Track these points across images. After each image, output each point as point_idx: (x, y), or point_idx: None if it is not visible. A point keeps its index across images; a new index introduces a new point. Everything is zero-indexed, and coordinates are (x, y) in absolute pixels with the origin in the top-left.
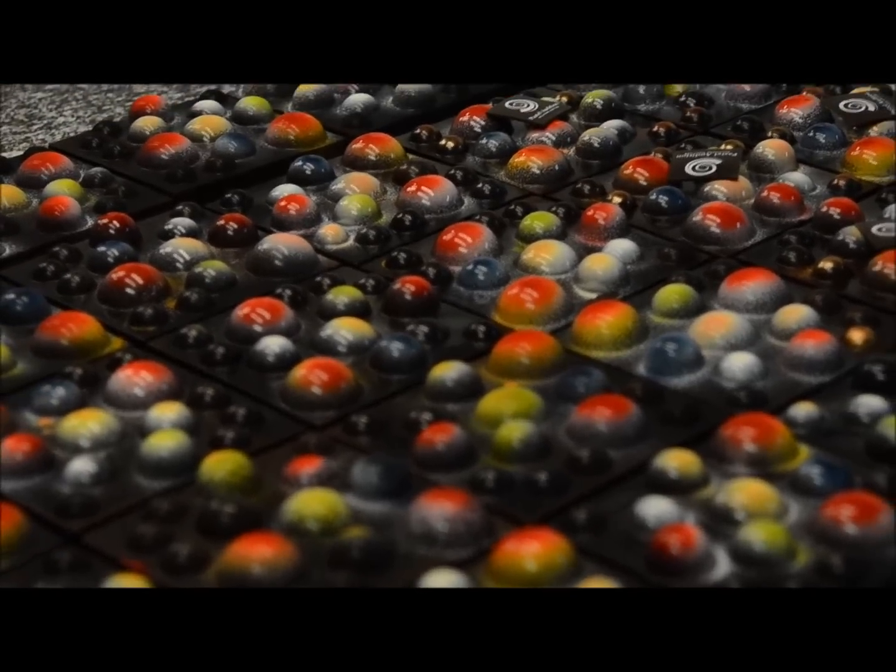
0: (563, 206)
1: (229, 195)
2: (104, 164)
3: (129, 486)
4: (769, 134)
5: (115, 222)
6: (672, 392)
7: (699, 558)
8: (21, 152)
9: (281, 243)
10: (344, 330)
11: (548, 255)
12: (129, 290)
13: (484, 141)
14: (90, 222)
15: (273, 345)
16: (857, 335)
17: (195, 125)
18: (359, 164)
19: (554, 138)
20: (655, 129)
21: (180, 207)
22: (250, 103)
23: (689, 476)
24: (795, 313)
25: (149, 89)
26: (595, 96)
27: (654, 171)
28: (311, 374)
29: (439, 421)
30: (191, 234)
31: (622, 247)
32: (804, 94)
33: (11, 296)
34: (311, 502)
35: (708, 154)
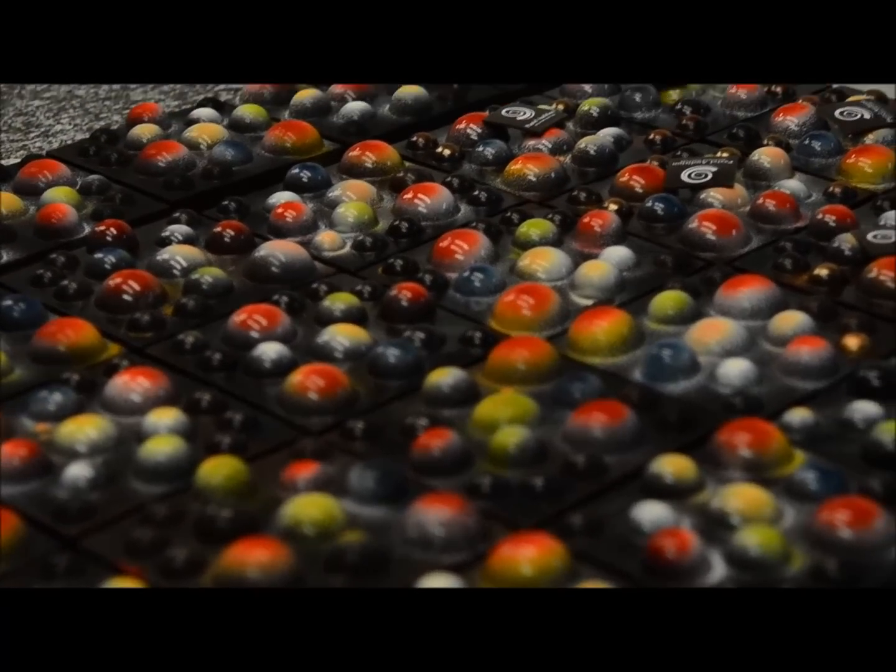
0: (560, 214)
1: (226, 202)
2: (101, 172)
3: (126, 491)
4: (765, 142)
5: (112, 229)
6: (668, 398)
7: (694, 562)
8: (18, 160)
9: (278, 250)
10: (340, 336)
11: (544, 261)
12: (126, 297)
13: (480, 148)
14: (87, 229)
15: (270, 351)
16: (852, 342)
17: (192, 133)
18: (355, 171)
19: (550, 146)
20: (651, 136)
21: (177, 214)
22: (247, 111)
23: (684, 481)
24: (791, 320)
25: (146, 97)
26: (591, 104)
27: (650, 179)
28: (307, 380)
29: (436, 426)
30: (188, 241)
31: (618, 254)
32: (800, 102)
33: (9, 302)
34: (307, 507)
35: (704, 161)
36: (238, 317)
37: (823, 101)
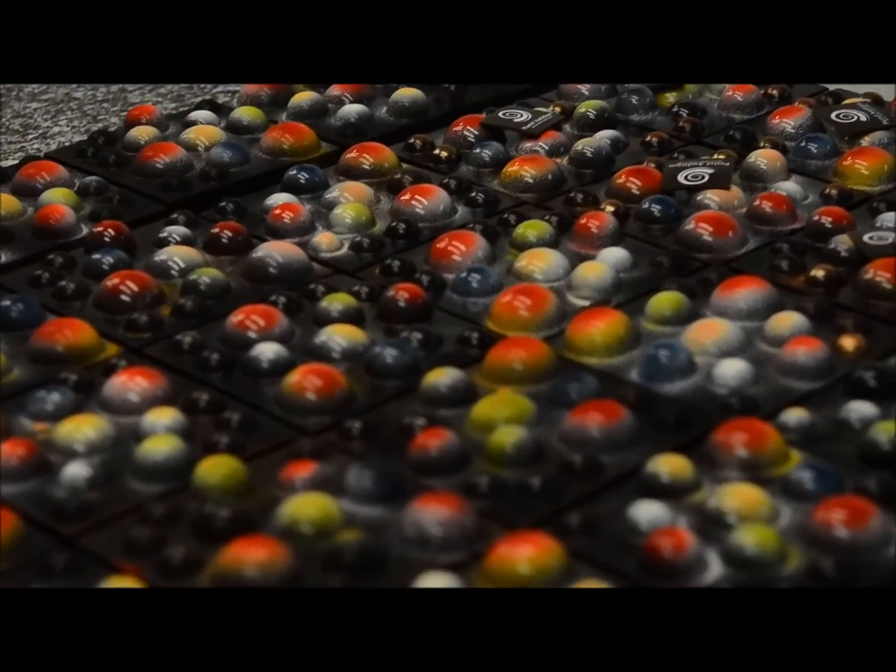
0: (556, 215)
1: (224, 204)
2: (99, 173)
3: (124, 490)
4: (761, 144)
5: (109, 230)
6: (665, 398)
7: (691, 561)
8: (16, 161)
9: (275, 251)
10: (338, 336)
11: (541, 263)
12: (123, 297)
13: (477, 150)
14: (85, 230)
15: (267, 351)
16: (848, 342)
17: (190, 135)
18: (353, 173)
19: (547, 148)
20: (648, 139)
21: (175, 216)
22: (245, 113)
23: (681, 480)
24: (787, 320)
25: (143, 99)
26: (588, 107)
27: (646, 181)
28: (305, 380)
29: (433, 426)
30: (185, 242)
31: (615, 255)
32: (796, 104)
33: (7, 303)
34: (305, 506)
35: (700, 163)
36: (236, 317)
37: (820, 104)
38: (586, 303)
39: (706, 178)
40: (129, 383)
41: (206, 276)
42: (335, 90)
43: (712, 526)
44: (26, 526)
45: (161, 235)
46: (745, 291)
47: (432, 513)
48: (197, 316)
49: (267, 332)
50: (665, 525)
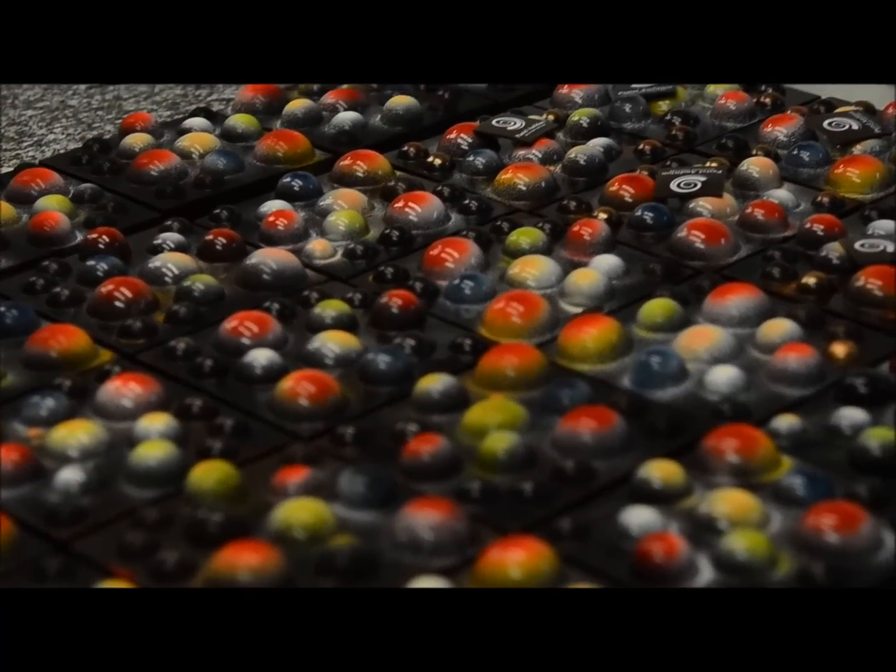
0: (550, 223)
1: (218, 211)
2: (94, 181)
3: (118, 495)
4: (754, 152)
5: (104, 237)
6: (656, 404)
7: (682, 566)
8: (11, 168)
9: (269, 258)
10: (331, 343)
11: (534, 270)
12: (118, 304)
13: (471, 158)
14: (80, 237)
15: (261, 357)
16: (840, 349)
17: (184, 142)
18: (346, 180)
19: (540, 156)
20: (641, 147)
21: (169, 223)
22: (239, 121)
23: (672, 486)
24: (779, 327)
25: (138, 107)
26: (581, 115)
27: (639, 188)
28: (298, 386)
29: (425, 432)
30: (180, 248)
31: (607, 262)
32: (788, 113)
33: (1, 309)
34: (298, 510)
35: (693, 171)
36: (229, 323)
37: (812, 112)
38: (579, 310)
39: (699, 185)
40: (123, 389)
41: (200, 282)
42: (329, 98)
43: (703, 531)
44: (20, 530)
45: (155, 242)
46: (737, 298)
47: (424, 517)
48: (191, 322)
49: (260, 339)
50: (656, 530)
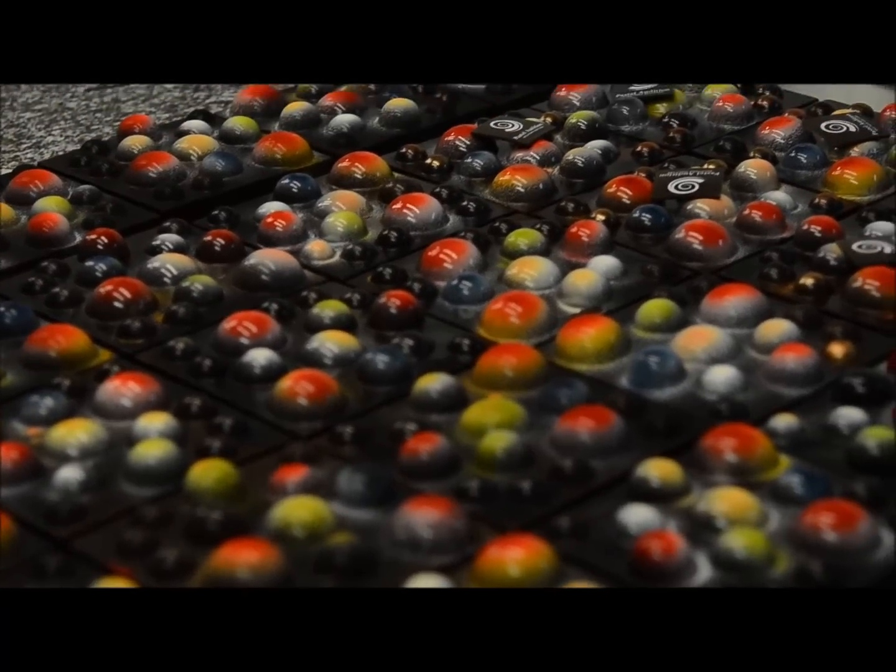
0: (548, 224)
1: (216, 212)
2: (92, 182)
3: (117, 493)
4: (751, 154)
5: (103, 238)
6: (654, 404)
7: (680, 564)
8: (10, 170)
9: (268, 259)
10: (330, 343)
11: (532, 270)
12: (116, 304)
13: (469, 160)
14: (78, 238)
15: (259, 357)
16: (837, 349)
17: (183, 144)
18: (345, 182)
19: (538, 158)
20: (639, 149)
21: (168, 224)
22: (237, 123)
23: (670, 485)
24: (776, 328)
25: (137, 109)
26: (579, 117)
27: (637, 190)
28: (297, 386)
29: (424, 431)
30: (178, 249)
31: (605, 263)
32: (786, 115)
33: (1, 309)
34: (297, 509)
35: (691, 173)
36: (228, 324)
37: (809, 115)
38: (577, 310)
39: (696, 187)
40: (122, 388)
41: (199, 283)
42: (327, 100)
43: (702, 530)
44: (20, 528)
45: (154, 243)
46: (735, 299)
47: (423, 516)
48: (190, 322)
49: (259, 339)
50: (655, 529)
